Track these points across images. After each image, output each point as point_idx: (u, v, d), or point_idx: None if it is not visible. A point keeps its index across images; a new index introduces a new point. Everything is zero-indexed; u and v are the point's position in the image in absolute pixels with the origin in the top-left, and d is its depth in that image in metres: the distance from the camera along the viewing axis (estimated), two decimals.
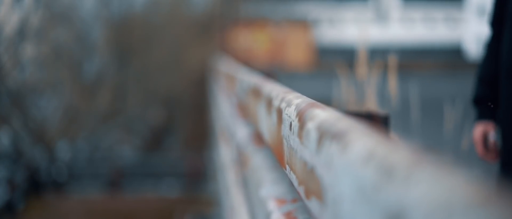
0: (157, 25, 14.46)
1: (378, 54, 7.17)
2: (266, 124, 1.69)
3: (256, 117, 2.12)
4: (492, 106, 2.58)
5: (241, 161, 3.18)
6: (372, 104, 6.14)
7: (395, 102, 5.74)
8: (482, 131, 2.61)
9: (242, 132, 3.21)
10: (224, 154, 4.97)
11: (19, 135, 11.94)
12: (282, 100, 1.44)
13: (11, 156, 11.58)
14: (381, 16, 39.27)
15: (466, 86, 4.07)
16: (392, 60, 6.28)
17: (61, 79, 13.37)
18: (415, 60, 30.44)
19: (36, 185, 11.68)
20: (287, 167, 1.19)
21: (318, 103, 1.10)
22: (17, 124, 12.01)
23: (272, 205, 1.74)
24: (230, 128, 4.37)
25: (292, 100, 1.28)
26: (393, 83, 5.94)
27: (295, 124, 1.11)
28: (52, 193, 11.62)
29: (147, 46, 14.04)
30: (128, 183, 12.11)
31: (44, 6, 12.54)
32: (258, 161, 2.43)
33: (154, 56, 14.07)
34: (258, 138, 2.76)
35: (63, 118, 13.09)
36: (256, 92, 2.12)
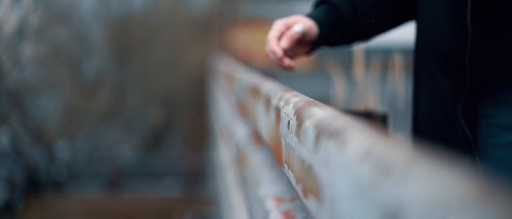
0: (156, 24, 14.45)
1: (378, 53, 7.16)
2: (265, 123, 1.69)
3: (255, 116, 2.12)
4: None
5: (240, 160, 3.18)
6: (371, 104, 6.15)
7: (401, 101, 5.75)
8: (286, 24, 1.71)
9: (241, 131, 3.21)
10: (223, 154, 4.97)
11: (18, 134, 11.94)
12: (280, 98, 1.44)
13: (10, 156, 11.58)
14: None
15: None
16: (398, 59, 6.29)
17: (60, 78, 13.37)
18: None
19: (35, 184, 11.68)
20: (285, 165, 1.19)
21: (316, 102, 1.10)
22: (16, 123, 12.01)
23: (270, 204, 1.73)
24: (229, 128, 4.37)
25: (290, 99, 1.28)
26: (400, 82, 5.95)
27: (293, 122, 1.11)
28: (52, 193, 11.62)
29: (146, 45, 14.03)
30: (127, 182, 12.11)
31: (43, 5, 12.54)
32: (257, 160, 2.42)
33: (154, 56, 14.07)
34: (256, 137, 2.76)
35: (63, 117, 13.09)
36: (255, 91, 2.12)
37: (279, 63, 1.68)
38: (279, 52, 1.66)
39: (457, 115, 1.60)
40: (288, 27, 1.68)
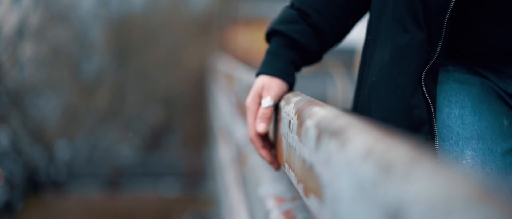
0: (156, 24, 14.46)
1: None
2: None
3: None
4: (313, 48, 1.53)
5: (240, 160, 3.18)
6: None
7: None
8: (256, 98, 1.49)
9: (241, 131, 3.21)
10: (223, 153, 4.97)
11: (18, 134, 11.94)
12: (280, 98, 1.44)
13: (10, 156, 11.58)
14: None
15: None
16: None
17: (60, 78, 13.38)
18: None
19: (35, 184, 11.68)
20: (286, 165, 1.19)
21: (317, 101, 1.10)
22: (16, 123, 12.01)
23: (271, 204, 1.73)
24: (229, 127, 4.37)
25: (290, 98, 1.28)
26: None
27: (294, 122, 1.11)
28: (51, 193, 11.62)
29: (146, 45, 14.05)
30: (127, 182, 12.12)
31: (43, 5, 12.54)
32: (257, 159, 2.42)
33: (153, 56, 14.08)
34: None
35: (62, 117, 13.09)
36: None
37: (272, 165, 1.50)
38: (269, 158, 1.48)
39: (419, 78, 1.39)
40: (258, 102, 1.47)
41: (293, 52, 1.51)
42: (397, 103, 1.38)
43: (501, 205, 0.43)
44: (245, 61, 8.78)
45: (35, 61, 12.81)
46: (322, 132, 0.85)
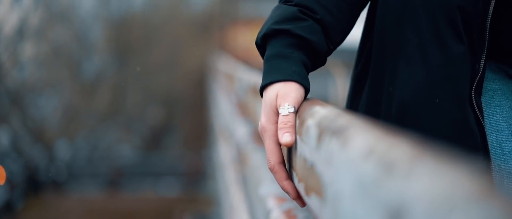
0: (156, 24, 14.46)
1: None
2: None
3: (255, 115, 2.12)
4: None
5: (240, 160, 3.18)
6: None
7: None
8: (273, 111, 1.17)
9: (241, 130, 3.20)
10: (224, 153, 4.97)
11: (18, 134, 11.94)
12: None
13: (11, 156, 11.59)
14: None
15: None
16: None
17: (60, 78, 13.38)
18: None
19: (35, 184, 11.68)
20: (287, 164, 1.19)
21: (318, 100, 1.10)
22: (16, 123, 12.01)
23: (271, 203, 1.73)
24: (230, 127, 4.37)
25: None
26: None
27: None
28: (52, 193, 11.62)
29: (146, 45, 14.05)
30: (127, 182, 12.12)
31: (44, 5, 12.54)
32: (258, 159, 2.42)
33: (154, 56, 14.08)
34: (257, 136, 2.76)
35: (63, 117, 13.09)
36: (255, 91, 2.12)
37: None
38: (294, 193, 1.15)
39: (470, 97, 1.21)
40: (276, 121, 1.14)
41: (302, 52, 1.23)
42: (447, 130, 1.21)
43: (502, 204, 0.43)
44: (245, 61, 8.77)
45: (35, 61, 12.81)
46: (324, 131, 0.85)
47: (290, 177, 1.15)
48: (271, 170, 1.17)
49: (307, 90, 1.19)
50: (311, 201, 0.91)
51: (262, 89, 1.20)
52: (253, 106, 2.26)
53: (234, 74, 4.21)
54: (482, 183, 0.46)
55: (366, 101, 1.32)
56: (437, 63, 1.20)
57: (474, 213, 0.44)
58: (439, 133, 1.21)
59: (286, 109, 1.13)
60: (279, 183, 1.18)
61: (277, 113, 1.15)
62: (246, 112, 3.04)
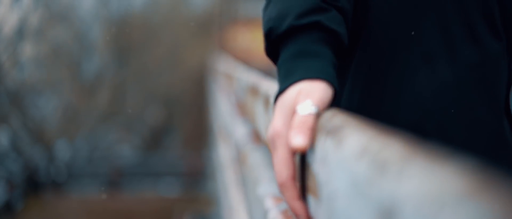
0: (156, 24, 14.47)
1: None
2: (264, 122, 1.69)
3: (254, 116, 2.12)
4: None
5: (239, 160, 3.18)
6: None
7: None
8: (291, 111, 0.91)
9: (240, 130, 3.21)
10: (223, 153, 4.98)
11: (18, 134, 11.94)
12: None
13: (10, 156, 11.59)
14: None
15: None
16: None
17: (60, 78, 13.38)
18: None
19: (35, 184, 11.69)
20: None
21: None
22: (16, 123, 12.01)
23: (269, 203, 1.74)
24: (229, 127, 4.37)
25: None
26: None
27: None
28: (51, 193, 11.62)
29: (146, 45, 14.05)
30: (127, 182, 12.12)
31: (43, 5, 12.54)
32: (256, 159, 2.43)
33: (153, 56, 14.09)
34: (256, 136, 2.76)
35: (62, 117, 13.09)
36: (254, 91, 2.12)
37: None
38: (305, 215, 0.91)
39: (506, 103, 1.05)
40: (294, 110, 0.91)
41: (331, 51, 0.98)
42: (479, 141, 1.04)
43: (492, 201, 0.44)
44: (245, 61, 8.77)
45: (35, 61, 12.81)
46: (319, 130, 0.85)
47: (302, 196, 0.92)
48: (281, 186, 0.92)
49: (335, 94, 0.95)
50: (308, 201, 0.92)
51: (275, 98, 0.95)
52: (251, 106, 2.26)
53: (234, 74, 4.22)
54: (472, 181, 0.47)
55: (359, 98, 1.11)
56: (471, 62, 1.03)
57: (463, 210, 0.44)
58: (469, 143, 1.03)
59: (307, 108, 0.90)
60: (289, 203, 0.93)
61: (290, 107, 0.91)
62: (245, 112, 3.04)
